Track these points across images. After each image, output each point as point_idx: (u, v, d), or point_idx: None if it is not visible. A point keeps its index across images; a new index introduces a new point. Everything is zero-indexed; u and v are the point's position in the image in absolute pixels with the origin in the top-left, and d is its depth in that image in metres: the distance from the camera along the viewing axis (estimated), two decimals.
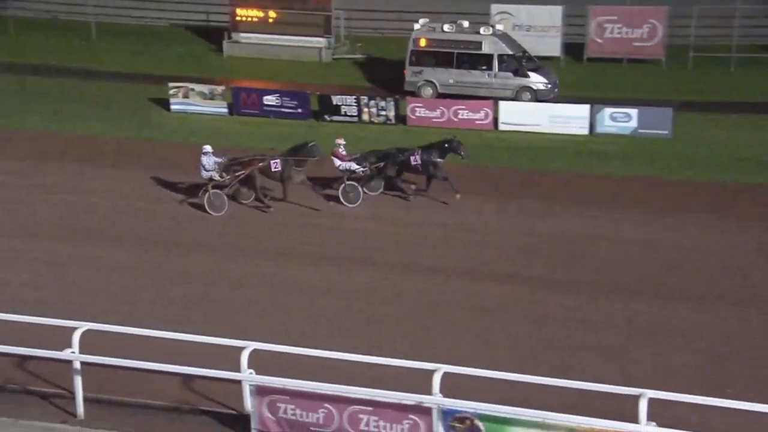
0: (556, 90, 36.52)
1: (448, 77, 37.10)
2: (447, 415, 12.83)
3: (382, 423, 13.27)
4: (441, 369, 13.26)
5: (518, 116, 33.75)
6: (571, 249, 22.61)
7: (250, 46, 42.73)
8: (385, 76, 39.22)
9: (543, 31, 41.51)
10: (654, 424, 12.23)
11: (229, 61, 42.41)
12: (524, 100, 35.99)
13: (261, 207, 25.40)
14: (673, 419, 12.73)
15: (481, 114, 33.91)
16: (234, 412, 14.47)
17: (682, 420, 12.89)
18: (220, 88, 35.82)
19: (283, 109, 35.12)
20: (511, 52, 37.18)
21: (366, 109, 34.55)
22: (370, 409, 13.32)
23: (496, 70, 36.71)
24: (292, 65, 41.01)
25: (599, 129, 32.78)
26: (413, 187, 26.35)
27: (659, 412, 12.56)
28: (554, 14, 41.01)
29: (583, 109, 33.06)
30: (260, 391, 13.68)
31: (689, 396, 12.67)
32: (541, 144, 31.97)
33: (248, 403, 13.92)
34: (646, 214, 24.73)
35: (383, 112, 34.37)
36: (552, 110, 33.63)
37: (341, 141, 25.83)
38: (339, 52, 42.94)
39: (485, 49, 36.83)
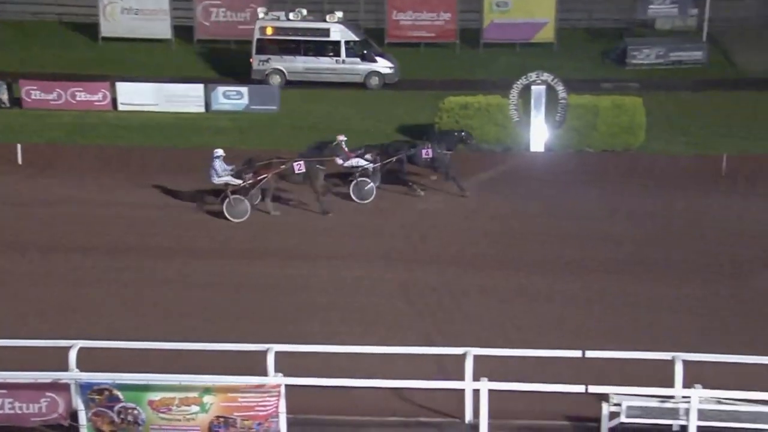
0: (398, 74, 35.88)
1: (296, 65, 35.38)
2: (85, 388, 12.21)
3: (17, 404, 12.41)
4: (76, 345, 12.65)
5: (136, 96, 32.72)
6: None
7: None
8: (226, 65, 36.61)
9: (152, 14, 40.52)
10: (281, 374, 12.44)
11: None
12: (373, 85, 35.31)
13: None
14: None
15: (99, 95, 32.51)
16: None
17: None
18: None
19: None
20: (357, 39, 35.93)
21: None
22: (4, 391, 12.44)
23: (344, 56, 35.42)
24: None
25: (214, 107, 32.72)
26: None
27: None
28: None
29: (198, 89, 32.81)
30: None
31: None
32: (160, 122, 31.28)
33: None
34: None
35: None
36: (168, 90, 32.94)
37: (342, 138, 23.18)
38: None
39: (333, 36, 35.40)
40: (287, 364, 12.77)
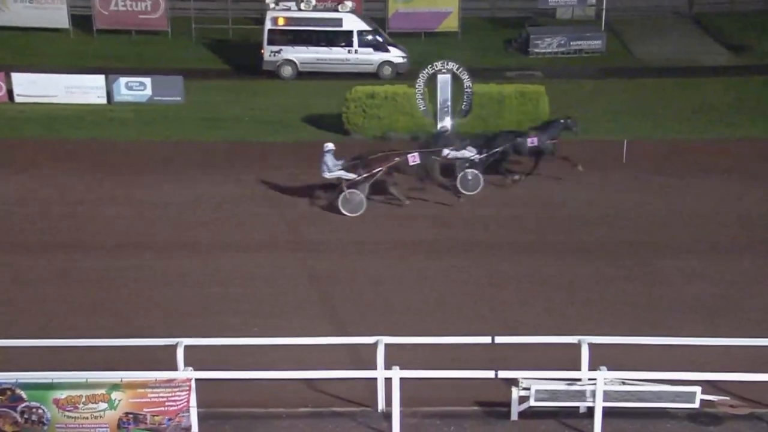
0: (409, 63, 35.08)
1: (308, 55, 34.44)
2: None
3: None
4: None
5: (33, 88, 31.77)
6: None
7: None
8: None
9: (48, 3, 39.41)
10: (191, 368, 12.28)
11: None
12: (385, 75, 34.53)
13: (395, 202, 21.64)
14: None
15: None
16: None
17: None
18: None
19: None
20: (370, 28, 35.04)
21: None
22: None
23: (357, 46, 34.62)
24: None
25: (117, 98, 32.01)
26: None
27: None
28: None
29: (99, 80, 32.06)
30: None
31: None
32: (59, 114, 30.46)
33: None
34: (163, 174, 24.57)
35: None
36: (68, 81, 32.06)
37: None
38: None
39: (345, 25, 34.53)
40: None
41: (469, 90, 27.49)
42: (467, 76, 27.44)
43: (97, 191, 23.02)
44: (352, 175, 21.47)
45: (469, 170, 22.85)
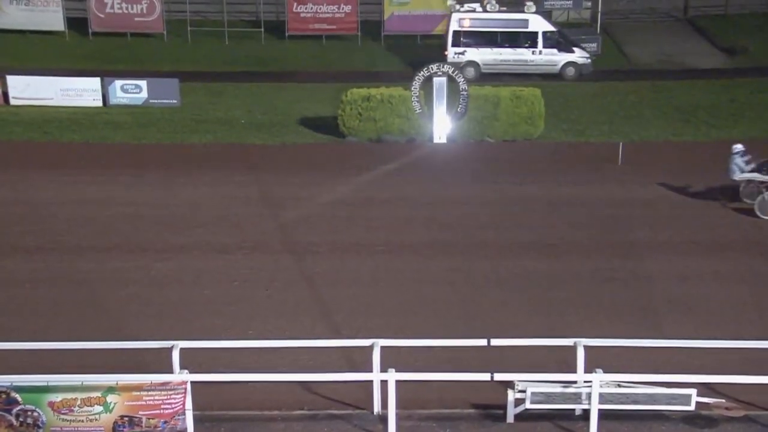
0: (592, 64, 35.25)
1: (492, 56, 34.52)
2: None
3: None
4: None
5: (29, 90, 31.77)
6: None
7: None
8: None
9: (44, 6, 39.40)
10: (186, 371, 12.25)
11: None
12: (569, 76, 34.84)
13: None
14: None
15: None
16: None
17: None
18: None
19: None
20: (554, 29, 35.18)
21: None
22: None
23: (541, 46, 34.63)
24: None
25: (112, 101, 31.98)
26: None
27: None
28: None
29: (95, 82, 32.05)
30: None
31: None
32: (55, 117, 30.41)
33: None
34: (159, 177, 24.54)
35: None
36: (63, 84, 32.10)
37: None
38: None
39: (531, 26, 34.60)
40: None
41: (464, 92, 27.50)
42: (463, 79, 27.46)
43: (92, 194, 22.95)
44: (767, 177, 20.87)
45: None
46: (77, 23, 40.27)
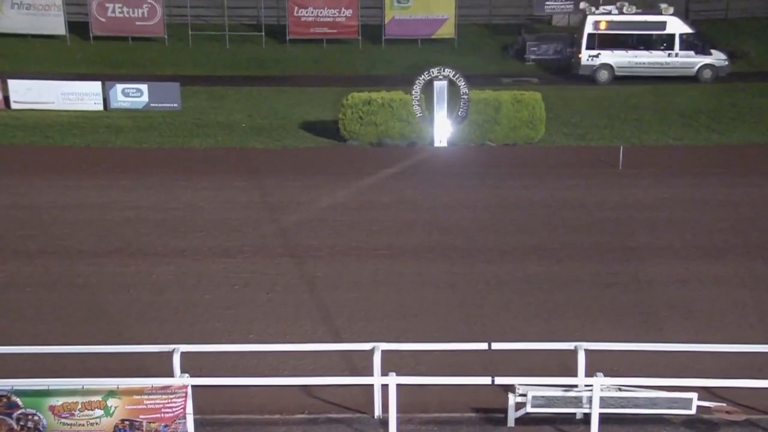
0: (729, 66, 34.84)
1: (626, 59, 34.34)
2: None
3: None
4: None
5: (30, 95, 31.81)
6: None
7: None
8: None
9: (44, 10, 39.46)
10: (187, 375, 12.25)
11: None
12: (705, 78, 34.48)
13: None
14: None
15: None
16: None
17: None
18: None
19: None
20: (692, 31, 34.84)
21: None
22: None
23: (678, 49, 34.39)
24: None
25: (113, 105, 32.01)
26: None
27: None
28: None
29: (96, 86, 32.09)
30: None
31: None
32: (56, 121, 30.44)
33: None
34: (159, 181, 24.54)
35: None
36: (64, 87, 32.14)
37: None
38: None
39: (669, 29, 34.33)
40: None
41: (465, 96, 27.52)
42: (464, 83, 27.48)
43: (93, 197, 22.96)
44: None
45: None
46: (78, 27, 40.30)
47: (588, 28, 35.71)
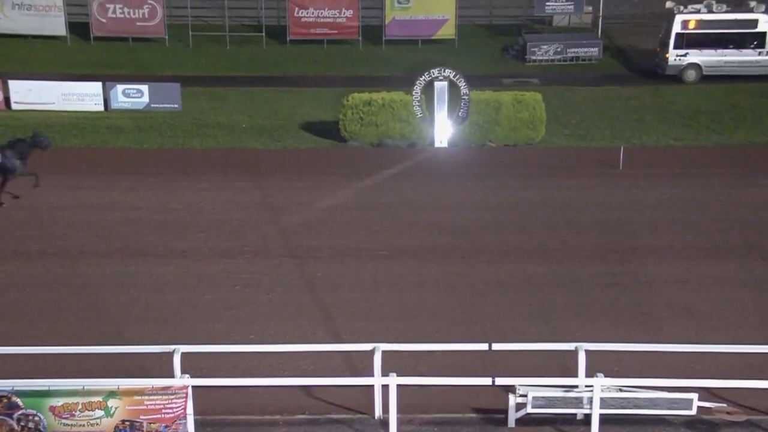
0: None
1: (715, 58, 33.91)
2: None
3: None
4: None
5: (30, 95, 31.80)
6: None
7: None
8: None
9: (45, 11, 39.49)
10: (188, 376, 12.26)
11: None
12: None
13: None
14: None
15: None
16: None
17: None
18: None
19: None
20: None
21: None
22: None
23: None
24: None
25: (114, 105, 32.01)
26: None
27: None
28: None
29: (96, 87, 32.08)
30: None
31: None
32: (57, 121, 30.45)
33: None
34: (160, 181, 24.55)
35: None
36: (64, 88, 32.13)
37: None
38: None
39: (760, 27, 33.88)
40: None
41: (466, 97, 27.53)
42: (464, 83, 27.49)
43: (94, 198, 22.97)
44: None
45: None
46: (79, 28, 40.31)
47: (676, 28, 35.32)
